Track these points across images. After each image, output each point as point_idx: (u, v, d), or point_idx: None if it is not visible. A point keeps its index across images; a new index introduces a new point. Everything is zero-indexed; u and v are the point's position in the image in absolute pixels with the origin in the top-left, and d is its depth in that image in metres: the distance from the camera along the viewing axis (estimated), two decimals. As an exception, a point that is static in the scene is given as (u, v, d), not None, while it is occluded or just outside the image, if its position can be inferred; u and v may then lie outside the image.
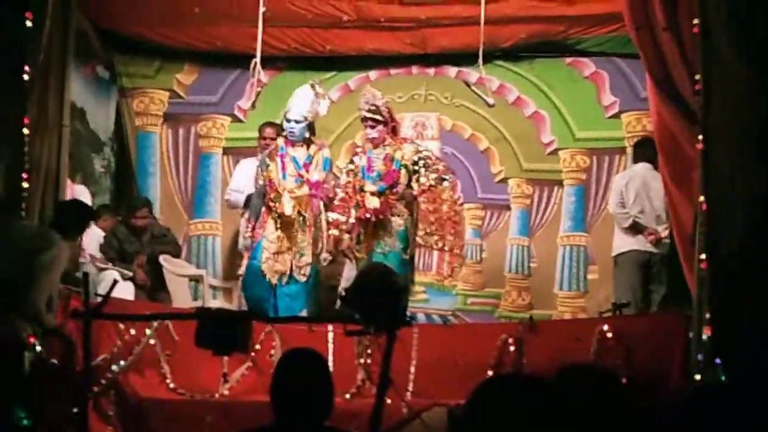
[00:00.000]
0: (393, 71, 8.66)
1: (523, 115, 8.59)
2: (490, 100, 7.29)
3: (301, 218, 6.92)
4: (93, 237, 7.73)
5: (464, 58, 8.06)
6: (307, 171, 6.97)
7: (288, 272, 6.90)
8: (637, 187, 7.27)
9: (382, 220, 6.82)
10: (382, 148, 6.94)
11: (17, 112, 6.17)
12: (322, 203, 7.02)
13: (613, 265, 7.50)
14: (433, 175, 6.87)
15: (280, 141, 7.10)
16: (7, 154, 6.13)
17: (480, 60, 7.09)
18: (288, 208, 6.88)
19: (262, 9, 7.16)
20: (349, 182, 7.01)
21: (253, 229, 7.04)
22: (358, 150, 7.20)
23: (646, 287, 7.24)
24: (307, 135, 7.01)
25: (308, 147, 7.03)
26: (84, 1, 7.26)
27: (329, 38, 8.30)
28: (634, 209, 7.26)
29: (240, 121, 8.67)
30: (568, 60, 8.52)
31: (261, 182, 7.03)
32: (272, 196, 6.95)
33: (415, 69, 8.66)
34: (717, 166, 5.47)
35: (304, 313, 6.91)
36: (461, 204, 7.37)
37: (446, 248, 6.95)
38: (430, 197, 6.86)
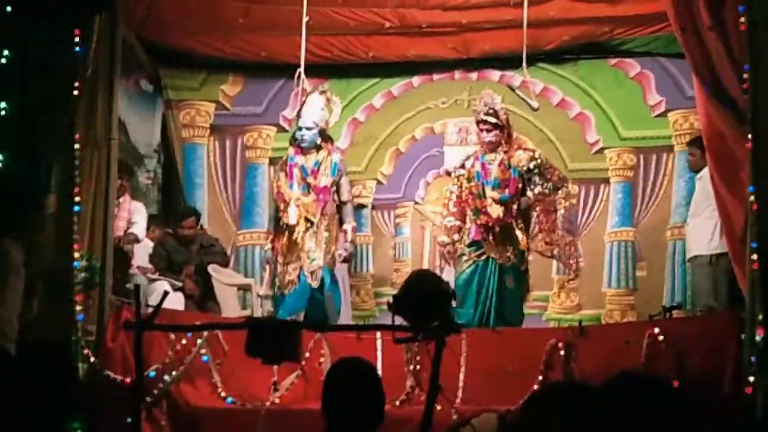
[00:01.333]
0: (436, 77, 8.66)
1: (568, 117, 8.55)
2: (534, 104, 7.25)
3: (308, 224, 6.97)
4: (143, 248, 7.82)
5: (507, 61, 8.05)
6: (315, 177, 7.03)
7: (297, 279, 6.95)
8: None
9: (504, 228, 6.79)
10: (496, 153, 6.90)
11: (67, 129, 6.25)
12: (335, 206, 7.08)
13: (708, 262, 7.08)
14: (549, 184, 6.83)
15: (290, 150, 7.18)
16: (58, 171, 6.20)
17: (524, 63, 7.06)
18: (293, 217, 6.96)
19: (305, 18, 7.20)
20: (459, 186, 6.96)
21: (272, 240, 7.16)
22: (470, 155, 7.11)
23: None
24: (318, 141, 7.08)
25: (318, 153, 7.09)
26: (130, 15, 7.35)
27: (372, 45, 8.31)
28: None
29: (285, 131, 8.70)
30: (613, 61, 8.47)
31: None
32: (281, 206, 7.05)
33: (457, 74, 8.66)
34: (766, 164, 5.40)
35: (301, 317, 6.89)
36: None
37: (559, 256, 6.90)
38: (545, 205, 6.83)
